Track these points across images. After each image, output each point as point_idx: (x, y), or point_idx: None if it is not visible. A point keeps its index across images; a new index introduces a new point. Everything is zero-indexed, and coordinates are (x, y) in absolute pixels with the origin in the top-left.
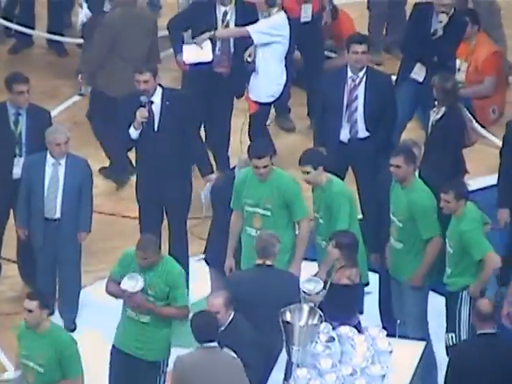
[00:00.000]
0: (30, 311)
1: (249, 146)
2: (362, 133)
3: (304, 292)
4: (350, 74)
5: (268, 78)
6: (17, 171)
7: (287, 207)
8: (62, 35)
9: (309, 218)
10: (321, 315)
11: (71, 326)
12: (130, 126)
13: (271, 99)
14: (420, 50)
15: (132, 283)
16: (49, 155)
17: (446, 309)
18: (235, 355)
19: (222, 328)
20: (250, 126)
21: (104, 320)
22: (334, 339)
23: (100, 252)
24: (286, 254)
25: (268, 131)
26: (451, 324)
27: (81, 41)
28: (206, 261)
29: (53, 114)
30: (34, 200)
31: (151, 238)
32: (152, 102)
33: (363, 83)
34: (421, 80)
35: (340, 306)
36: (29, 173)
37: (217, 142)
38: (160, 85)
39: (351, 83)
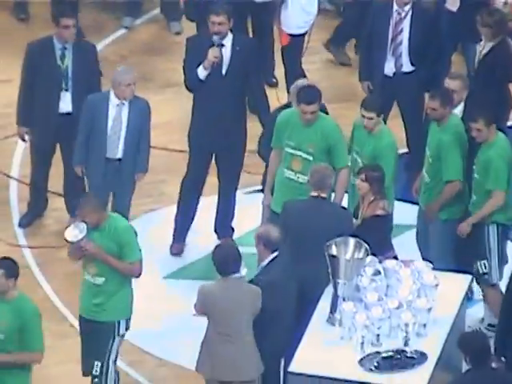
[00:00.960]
0: None
1: (299, 90)
2: (407, 67)
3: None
4: (395, 7)
5: (298, 9)
6: (63, 106)
7: (329, 153)
8: None
9: (348, 166)
10: (367, 249)
11: None
12: (198, 65)
13: (302, 30)
14: None
15: (75, 232)
16: (112, 95)
17: (473, 237)
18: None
19: (263, 264)
20: (283, 58)
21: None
22: (379, 273)
23: (145, 185)
24: None
25: (301, 64)
26: (481, 252)
27: None
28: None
29: (98, 47)
30: (96, 140)
31: (90, 197)
32: (223, 45)
33: (409, 17)
34: (455, 10)
35: (377, 238)
36: (91, 112)
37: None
38: (231, 30)
39: (397, 16)
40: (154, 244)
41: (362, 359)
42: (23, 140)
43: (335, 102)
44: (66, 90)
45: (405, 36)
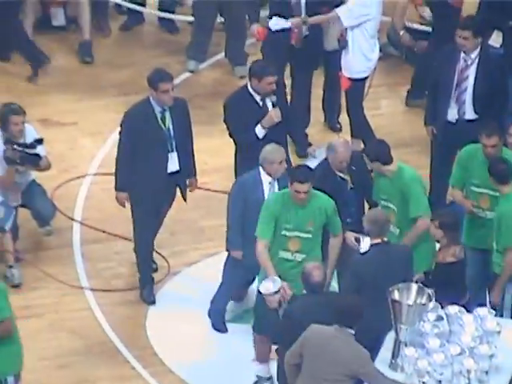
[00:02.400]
0: None
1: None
2: (470, 114)
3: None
4: (462, 54)
5: (359, 55)
6: (171, 166)
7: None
8: (172, 12)
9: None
10: (429, 294)
11: None
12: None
13: (363, 75)
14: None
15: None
16: (263, 174)
17: None
18: None
19: None
20: (346, 103)
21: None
22: (442, 318)
23: (207, 229)
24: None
25: (363, 110)
26: None
27: (192, 18)
28: None
29: None
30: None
31: None
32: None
33: (475, 64)
34: (498, 46)
35: (448, 284)
36: (245, 194)
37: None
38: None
39: (463, 63)
40: (215, 289)
41: None
42: (123, 206)
43: (399, 148)
44: (172, 151)
45: (470, 83)
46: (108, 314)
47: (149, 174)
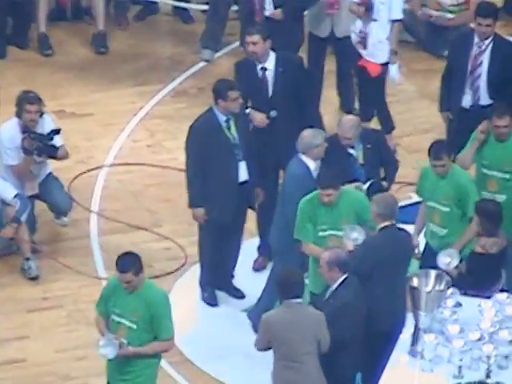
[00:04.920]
0: None
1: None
2: (485, 100)
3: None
4: (476, 39)
5: (383, 39)
6: (241, 176)
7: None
8: (187, 1)
9: None
10: (448, 280)
11: None
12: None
13: (387, 59)
14: None
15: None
16: (308, 161)
17: None
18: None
19: (333, 288)
20: (374, 90)
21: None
22: (460, 305)
23: None
24: None
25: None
26: None
27: (206, 7)
28: None
29: (177, 81)
30: None
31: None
32: (265, 69)
33: (489, 50)
34: None
35: (478, 274)
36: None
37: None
38: (273, 49)
39: (477, 49)
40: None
41: None
42: (202, 222)
43: (416, 134)
44: (240, 160)
45: (484, 69)
46: None
47: (221, 186)
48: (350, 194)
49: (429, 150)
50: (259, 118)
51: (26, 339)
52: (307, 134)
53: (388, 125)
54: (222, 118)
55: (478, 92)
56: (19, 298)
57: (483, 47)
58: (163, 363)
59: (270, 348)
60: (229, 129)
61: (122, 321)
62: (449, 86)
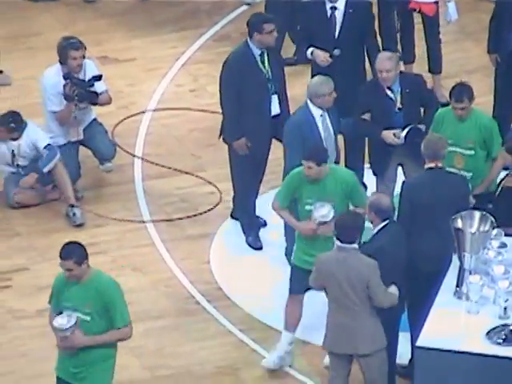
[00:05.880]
0: None
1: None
2: None
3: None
4: None
5: None
6: (273, 109)
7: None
8: None
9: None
10: (492, 221)
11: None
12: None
13: None
14: None
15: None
16: (313, 108)
17: None
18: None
19: (373, 232)
20: (431, 31)
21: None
22: (505, 245)
23: (269, 162)
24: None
25: None
26: None
27: None
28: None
29: (220, 25)
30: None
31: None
32: (336, 8)
33: None
34: None
35: (506, 209)
36: (302, 133)
37: None
38: None
39: None
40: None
41: (489, 332)
42: (246, 153)
43: (460, 76)
44: (273, 94)
45: None
46: (171, 249)
47: (256, 119)
48: (337, 174)
49: (450, 92)
50: (322, 57)
51: None
52: (315, 81)
53: (439, 66)
54: (257, 52)
55: None
56: None
57: None
58: (209, 308)
59: (324, 288)
60: (263, 63)
61: (75, 314)
62: (497, 28)
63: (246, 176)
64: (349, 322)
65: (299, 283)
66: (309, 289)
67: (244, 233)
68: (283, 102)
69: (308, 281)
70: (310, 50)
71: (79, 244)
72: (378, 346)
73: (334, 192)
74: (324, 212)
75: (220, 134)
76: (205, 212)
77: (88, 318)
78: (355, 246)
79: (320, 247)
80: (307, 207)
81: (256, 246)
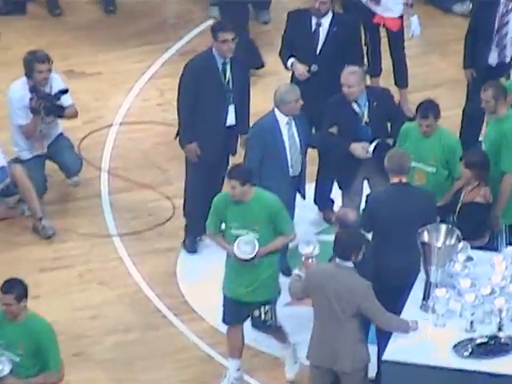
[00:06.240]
0: None
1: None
2: (510, 58)
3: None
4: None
5: None
6: (229, 119)
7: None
8: None
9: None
10: (458, 235)
11: None
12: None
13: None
14: None
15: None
16: (280, 115)
17: None
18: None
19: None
20: (396, 45)
21: None
22: (472, 259)
23: None
24: None
25: None
26: None
27: None
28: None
29: (186, 39)
30: (278, 160)
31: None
32: (320, 25)
33: None
34: None
35: (473, 224)
36: (264, 138)
37: None
38: (332, 10)
39: (503, 8)
40: None
41: (456, 345)
42: (195, 158)
43: (426, 90)
44: (230, 104)
45: (510, 28)
46: (138, 263)
47: (208, 127)
48: (263, 198)
49: (417, 108)
50: (300, 70)
51: (37, 299)
52: (282, 89)
53: (405, 80)
54: (220, 60)
55: (504, 50)
56: (31, 258)
57: (510, 6)
58: (176, 321)
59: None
60: (224, 71)
61: (7, 353)
62: (473, 43)
63: (196, 181)
64: (331, 336)
65: (232, 314)
66: (247, 317)
67: (184, 233)
68: (242, 113)
69: (240, 310)
70: (291, 60)
71: (22, 282)
72: (358, 366)
73: (258, 216)
74: (248, 249)
75: (176, 135)
76: (163, 223)
77: (17, 359)
78: (349, 264)
79: (248, 274)
80: (233, 231)
81: (190, 249)
